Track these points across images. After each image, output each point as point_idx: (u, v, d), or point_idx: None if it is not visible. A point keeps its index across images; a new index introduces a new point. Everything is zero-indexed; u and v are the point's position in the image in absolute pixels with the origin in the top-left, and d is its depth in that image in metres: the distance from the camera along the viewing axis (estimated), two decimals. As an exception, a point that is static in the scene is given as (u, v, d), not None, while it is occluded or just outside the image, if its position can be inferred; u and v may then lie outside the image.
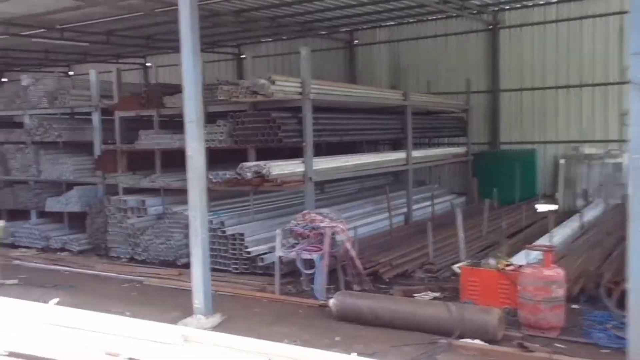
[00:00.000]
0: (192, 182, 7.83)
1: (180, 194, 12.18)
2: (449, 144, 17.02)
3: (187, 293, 9.44)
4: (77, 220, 13.35)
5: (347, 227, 9.37)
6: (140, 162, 12.58)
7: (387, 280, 9.72)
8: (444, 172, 17.73)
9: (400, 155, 13.64)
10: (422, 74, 17.48)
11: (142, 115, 12.22)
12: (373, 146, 16.16)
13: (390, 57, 18.97)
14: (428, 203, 14.48)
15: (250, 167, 9.84)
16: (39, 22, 15.16)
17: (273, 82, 9.71)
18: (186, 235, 10.94)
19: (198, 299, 7.93)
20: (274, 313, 8.49)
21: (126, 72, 20.31)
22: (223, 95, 9.97)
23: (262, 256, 10.05)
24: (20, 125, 13.69)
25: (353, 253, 9.26)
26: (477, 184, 16.53)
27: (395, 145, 15.95)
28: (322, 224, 9.22)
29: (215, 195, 12.02)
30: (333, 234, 9.02)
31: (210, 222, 10.63)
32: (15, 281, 10.20)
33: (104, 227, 12.14)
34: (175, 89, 11.66)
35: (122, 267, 11.29)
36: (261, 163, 9.79)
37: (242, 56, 22.21)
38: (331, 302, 8.01)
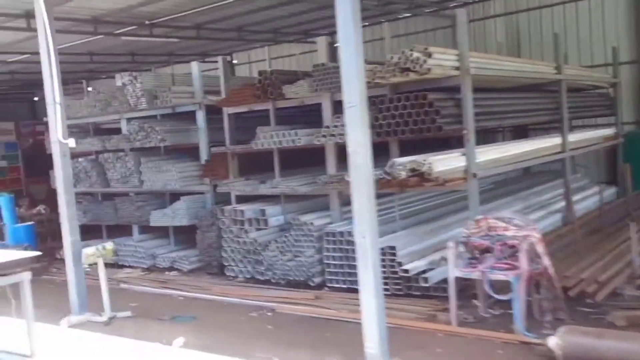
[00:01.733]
0: (356, 186, 5.81)
1: (300, 200, 10.33)
2: (597, 125, 14.35)
3: (334, 325, 7.59)
4: (182, 235, 11.72)
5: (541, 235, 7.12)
6: (251, 165, 10.78)
7: (593, 302, 7.41)
8: (587, 159, 15.06)
9: (555, 140, 11.18)
10: (547, 48, 14.91)
11: (255, 110, 10.35)
12: (521, 131, 13.75)
13: (506, 31, 16.47)
14: (577, 197, 12.04)
15: (404, 164, 7.75)
16: (129, 17, 13.65)
17: (429, 55, 7.57)
18: (318, 251, 9.05)
19: (372, 341, 5.90)
20: (465, 355, 6.36)
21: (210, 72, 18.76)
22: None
23: (423, 275, 7.93)
24: (117, 131, 12.18)
25: (552, 270, 7.01)
26: (630, 171, 13.83)
27: (547, 130, 13.46)
28: (507, 233, 7.03)
29: (323, 200, 10.11)
30: (529, 246, 6.79)
31: (344, 233, 8.67)
32: (128, 313, 8.55)
33: (217, 243, 10.38)
34: (295, 76, 9.74)
35: (243, 290, 9.46)
36: (418, 158, 7.68)
37: (335, 45, 20.19)
38: (551, 341, 5.80)
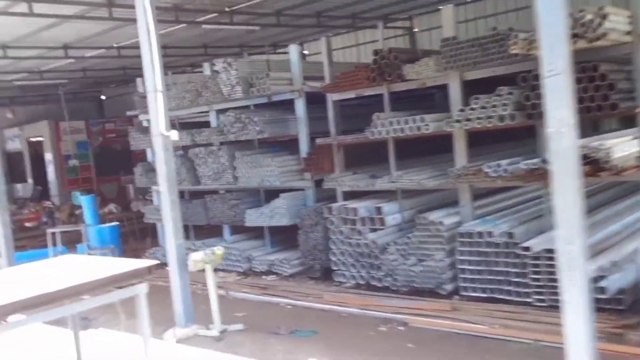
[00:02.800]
0: (560, 178, 4.50)
1: (417, 195, 9.08)
2: None
3: (488, 344, 6.34)
4: (277, 235, 10.65)
5: None
6: (354, 158, 9.60)
7: None
8: None
9: None
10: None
11: (356, 97, 9.13)
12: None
13: None
14: None
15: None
16: (210, 3, 12.68)
17: (604, 17, 6.17)
18: (449, 253, 7.77)
19: (580, 376, 4.58)
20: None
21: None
22: (518, 48, 6.54)
23: (600, 284, 6.53)
24: (201, 124, 11.20)
25: None
26: None
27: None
28: None
29: (444, 195, 8.85)
30: None
31: (483, 234, 7.38)
32: (239, 326, 7.50)
33: (323, 244, 9.24)
34: (414, 55, 8.48)
35: (361, 299, 8.28)
36: (594, 142, 6.29)
37: (414, 30, 18.78)
38: None
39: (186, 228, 11.78)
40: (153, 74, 7.33)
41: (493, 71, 7.52)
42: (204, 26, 14.03)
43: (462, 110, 7.52)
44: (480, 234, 7.50)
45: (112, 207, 21.78)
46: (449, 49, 7.63)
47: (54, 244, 14.64)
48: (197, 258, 7.26)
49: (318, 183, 9.79)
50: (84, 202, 13.34)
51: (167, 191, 7.46)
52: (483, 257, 7.48)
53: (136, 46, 15.91)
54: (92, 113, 26.62)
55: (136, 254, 12.77)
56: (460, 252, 7.65)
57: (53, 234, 10.90)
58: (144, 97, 11.55)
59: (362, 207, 8.74)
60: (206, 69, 10.77)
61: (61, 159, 23.31)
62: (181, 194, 11.94)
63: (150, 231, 13.56)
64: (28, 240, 16.67)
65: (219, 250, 7.48)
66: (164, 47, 16.96)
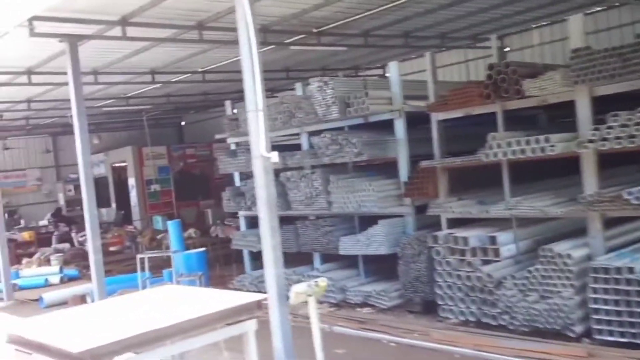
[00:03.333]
0: None
1: (531, 224, 8.18)
2: None
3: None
4: (371, 265, 9.95)
5: None
6: (457, 182, 8.83)
7: None
8: None
9: None
10: None
11: (467, 116, 8.41)
12: None
13: None
14: None
15: None
16: (299, 24, 12.34)
17: None
18: (579, 290, 6.84)
19: None
20: None
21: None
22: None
23: None
24: (294, 147, 10.73)
25: None
26: None
27: None
28: None
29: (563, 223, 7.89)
30: None
31: (622, 269, 6.41)
32: (344, 367, 6.81)
33: (427, 276, 8.47)
34: (534, 69, 7.69)
35: (473, 338, 7.41)
36: None
37: (505, 49, 17.85)
38: None
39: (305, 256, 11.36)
40: (254, 93, 6.88)
41: (631, 85, 6.63)
42: (292, 47, 13.75)
43: (596, 129, 6.64)
44: (618, 270, 6.54)
45: (191, 231, 21.77)
46: (580, 61, 6.79)
47: (142, 269, 14.55)
48: (300, 290, 6.62)
49: (419, 209, 9.08)
50: (170, 227, 13.14)
51: (267, 217, 6.93)
52: (622, 297, 6.51)
53: (221, 70, 16.03)
54: (172, 139, 27.06)
55: (222, 281, 12.40)
56: (593, 290, 6.69)
57: (142, 259, 10.64)
58: (233, 119, 11.27)
59: (473, 236, 7.93)
60: (298, 89, 10.34)
61: (143, 184, 23.65)
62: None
63: (234, 257, 13.17)
64: (113, 265, 16.72)
65: (322, 281, 6.82)
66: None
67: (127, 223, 23.29)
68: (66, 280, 15.19)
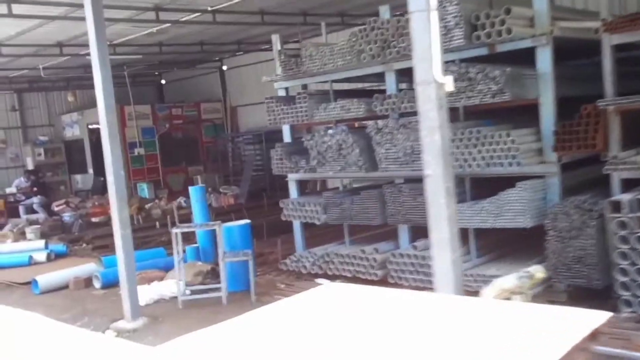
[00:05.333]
0: None
1: None
2: None
3: None
4: (482, 239, 7.63)
5: None
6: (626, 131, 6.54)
7: None
8: None
9: None
10: None
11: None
12: None
13: None
14: None
15: None
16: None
17: None
18: None
19: None
20: None
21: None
22: None
23: None
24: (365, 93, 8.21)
25: None
26: None
27: None
28: None
29: None
30: None
31: None
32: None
33: (596, 256, 6.20)
34: None
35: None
36: None
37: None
38: None
39: (339, 229, 8.91)
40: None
41: None
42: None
43: None
44: None
45: (181, 200, 18.95)
46: None
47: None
48: (507, 285, 4.24)
49: (565, 167, 6.78)
50: (193, 194, 10.43)
51: (442, 173, 4.45)
52: None
53: (233, 11, 13.14)
54: (152, 99, 23.78)
55: (264, 260, 9.88)
56: None
57: (176, 234, 7.98)
58: (294, 56, 8.59)
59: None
60: (384, 12, 7.70)
61: (126, 148, 20.46)
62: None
63: (278, 230, 10.58)
64: (104, 239, 13.92)
65: (539, 272, 4.47)
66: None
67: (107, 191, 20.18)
68: (53, 257, 12.30)
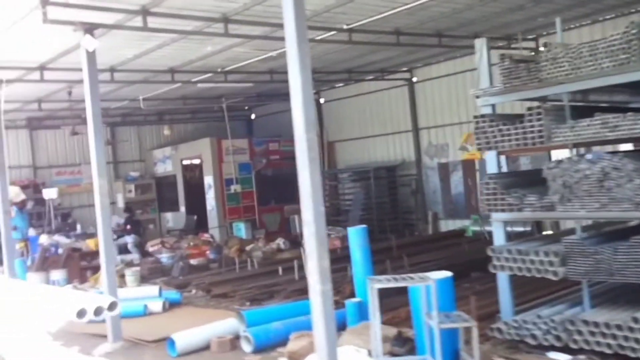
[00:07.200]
0: None
1: None
2: None
3: None
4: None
5: None
6: None
7: None
8: None
9: None
10: None
11: None
12: None
13: None
14: None
15: None
16: None
17: None
18: None
19: None
20: None
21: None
22: None
23: None
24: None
25: None
26: None
27: None
28: None
29: None
30: None
31: None
32: None
33: None
34: None
35: None
36: None
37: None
38: None
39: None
40: None
41: None
42: None
43: None
44: None
45: (280, 242, 17.05)
46: None
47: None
48: None
49: None
50: (353, 237, 8.39)
51: None
52: None
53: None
54: (242, 134, 22.23)
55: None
56: None
57: (373, 290, 5.88)
58: (524, 60, 6.55)
59: None
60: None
61: (222, 185, 18.86)
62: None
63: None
64: (219, 287, 11.96)
65: None
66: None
67: (201, 230, 18.47)
68: (167, 306, 10.45)
